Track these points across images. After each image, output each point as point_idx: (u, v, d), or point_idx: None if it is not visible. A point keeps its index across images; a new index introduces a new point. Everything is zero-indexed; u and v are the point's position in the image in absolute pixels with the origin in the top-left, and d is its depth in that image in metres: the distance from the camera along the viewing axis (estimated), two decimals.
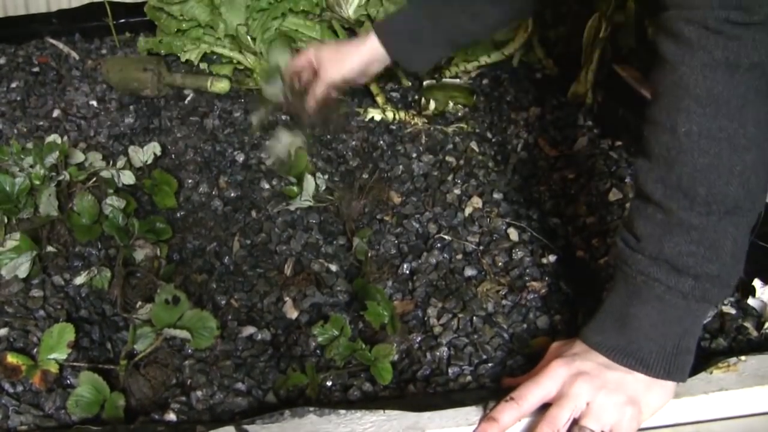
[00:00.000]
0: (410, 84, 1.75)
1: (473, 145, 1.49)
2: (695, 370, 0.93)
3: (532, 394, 0.85)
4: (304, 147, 1.42)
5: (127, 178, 1.33)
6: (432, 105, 1.63)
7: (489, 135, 1.55)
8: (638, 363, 0.84)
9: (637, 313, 0.85)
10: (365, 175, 1.42)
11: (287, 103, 1.48)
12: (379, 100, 1.65)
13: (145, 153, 1.44)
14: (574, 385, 0.83)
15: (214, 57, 1.82)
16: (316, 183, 1.34)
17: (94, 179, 1.27)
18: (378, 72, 1.47)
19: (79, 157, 1.35)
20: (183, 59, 1.80)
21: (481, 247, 1.24)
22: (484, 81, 1.75)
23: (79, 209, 1.20)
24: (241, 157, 1.49)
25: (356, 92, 1.72)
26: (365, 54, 1.40)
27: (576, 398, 0.82)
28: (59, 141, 1.34)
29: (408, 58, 1.41)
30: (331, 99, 1.46)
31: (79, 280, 1.15)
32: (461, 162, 1.44)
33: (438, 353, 1.04)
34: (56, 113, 1.64)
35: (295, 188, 1.36)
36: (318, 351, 1.05)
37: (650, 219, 0.84)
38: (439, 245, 1.24)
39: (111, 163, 1.35)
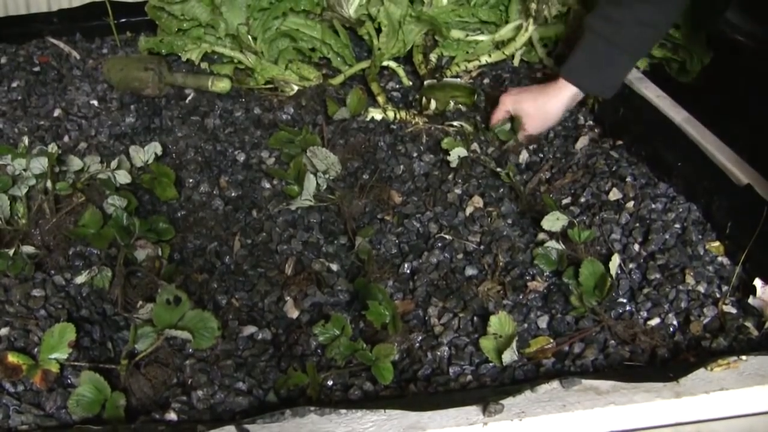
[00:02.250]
0: (411, 84, 1.75)
1: (474, 144, 1.49)
2: (695, 368, 0.93)
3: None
4: None
5: (122, 177, 1.33)
6: (433, 104, 1.63)
7: (490, 135, 1.54)
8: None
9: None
10: (366, 175, 1.42)
11: None
12: (380, 99, 1.65)
13: (146, 152, 1.44)
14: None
15: (215, 56, 1.82)
16: (317, 182, 1.34)
17: (81, 194, 1.27)
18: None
19: (76, 164, 1.34)
20: (184, 59, 1.80)
21: (482, 247, 1.24)
22: (485, 80, 1.75)
23: (86, 223, 1.21)
24: (241, 157, 1.49)
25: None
26: (565, 101, 1.47)
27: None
28: (54, 149, 1.34)
29: (603, 89, 1.47)
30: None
31: (80, 279, 1.15)
32: (462, 161, 1.44)
33: (439, 353, 1.04)
34: (57, 113, 1.64)
35: (295, 188, 1.36)
36: (319, 350, 1.05)
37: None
38: (439, 245, 1.24)
39: (105, 164, 1.35)
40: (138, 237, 1.22)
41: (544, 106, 1.48)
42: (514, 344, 1.00)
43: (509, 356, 1.00)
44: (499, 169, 1.41)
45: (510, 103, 1.50)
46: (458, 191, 1.37)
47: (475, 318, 1.09)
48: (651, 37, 1.44)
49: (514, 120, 1.50)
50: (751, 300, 1.09)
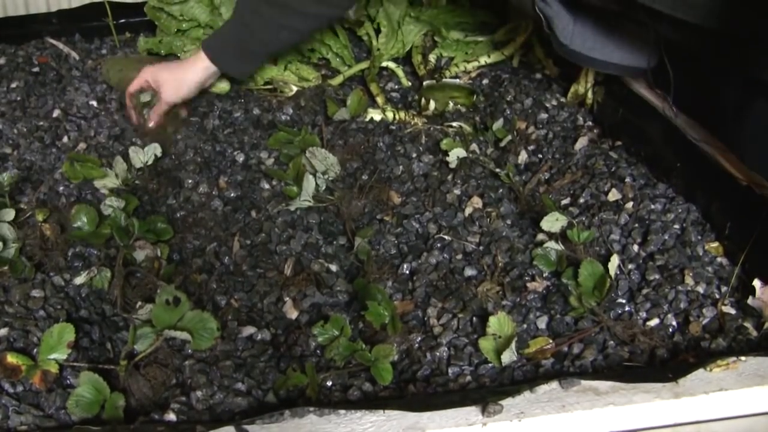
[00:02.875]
0: (410, 84, 1.75)
1: (473, 145, 1.49)
2: (694, 368, 0.93)
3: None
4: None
5: (111, 181, 1.37)
6: (432, 105, 1.63)
7: (489, 135, 1.54)
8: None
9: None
10: (365, 176, 1.42)
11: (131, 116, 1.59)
12: (379, 100, 1.65)
13: (146, 153, 1.44)
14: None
15: None
16: (316, 183, 1.34)
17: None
18: (212, 83, 1.64)
19: None
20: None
21: (481, 248, 1.24)
22: (484, 81, 1.75)
23: (77, 222, 1.21)
24: (241, 157, 1.49)
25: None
26: (200, 73, 1.55)
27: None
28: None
29: (238, 71, 1.60)
30: (170, 112, 1.58)
31: (79, 280, 1.15)
32: (461, 162, 1.44)
33: (438, 353, 1.04)
34: (56, 113, 1.64)
35: (294, 188, 1.36)
36: (318, 351, 1.05)
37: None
38: (439, 245, 1.24)
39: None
40: (137, 237, 1.22)
41: (179, 76, 1.54)
42: (513, 345, 1.00)
43: (508, 357, 1.00)
44: (498, 170, 1.41)
45: (149, 74, 1.55)
46: (457, 192, 1.37)
47: (474, 318, 1.09)
48: (291, 41, 1.56)
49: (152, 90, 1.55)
50: (750, 301, 1.09)
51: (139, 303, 1.09)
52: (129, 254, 1.19)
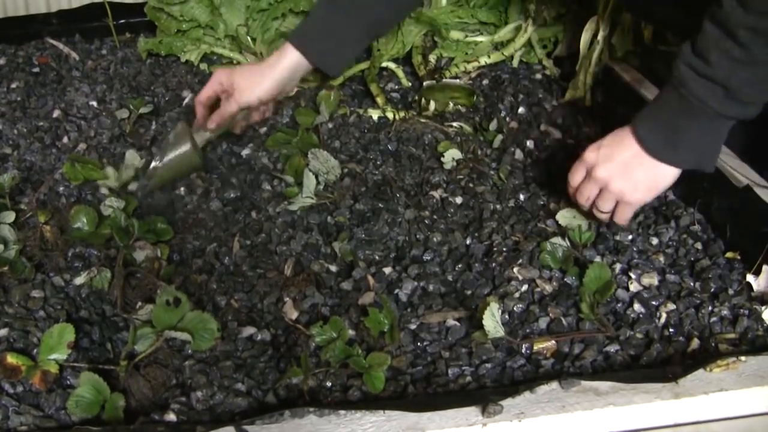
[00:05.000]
0: (410, 85, 1.75)
1: (473, 145, 1.49)
2: (694, 369, 0.93)
3: (572, 177, 1.18)
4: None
5: (111, 181, 1.37)
6: (432, 105, 1.63)
7: (489, 135, 1.54)
8: (674, 162, 1.07)
9: (684, 127, 1.04)
10: (364, 176, 1.42)
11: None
12: (379, 100, 1.65)
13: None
14: (596, 170, 1.13)
15: (215, 57, 1.82)
16: (317, 180, 1.34)
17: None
18: (298, 81, 1.46)
19: None
20: (183, 60, 1.80)
21: (484, 244, 1.24)
22: (484, 81, 1.75)
23: (77, 223, 1.21)
24: (241, 158, 1.49)
25: (356, 93, 1.72)
26: (284, 70, 1.39)
27: (596, 181, 1.13)
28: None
29: (327, 61, 1.41)
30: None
31: (79, 280, 1.15)
32: (458, 163, 1.44)
33: (438, 353, 1.04)
34: (56, 114, 1.64)
35: (294, 189, 1.36)
36: (318, 351, 1.05)
37: (726, 53, 0.96)
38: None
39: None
40: (137, 238, 1.22)
41: (256, 76, 1.39)
42: (497, 313, 1.00)
43: (493, 326, 1.00)
44: (495, 168, 1.41)
45: (224, 75, 1.40)
46: (458, 193, 1.37)
47: (473, 318, 1.09)
48: None
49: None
50: (749, 301, 1.09)
51: (139, 303, 1.09)
52: (129, 255, 1.19)
